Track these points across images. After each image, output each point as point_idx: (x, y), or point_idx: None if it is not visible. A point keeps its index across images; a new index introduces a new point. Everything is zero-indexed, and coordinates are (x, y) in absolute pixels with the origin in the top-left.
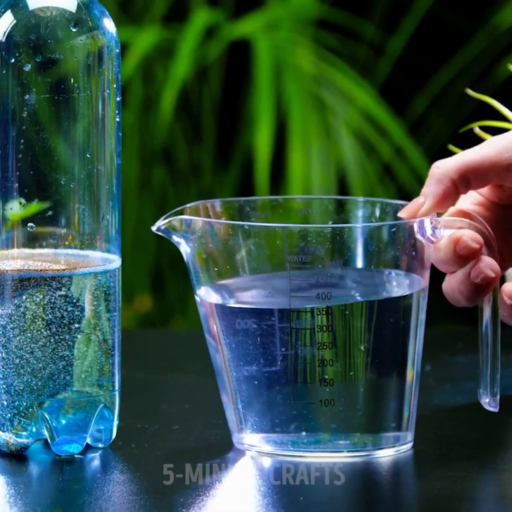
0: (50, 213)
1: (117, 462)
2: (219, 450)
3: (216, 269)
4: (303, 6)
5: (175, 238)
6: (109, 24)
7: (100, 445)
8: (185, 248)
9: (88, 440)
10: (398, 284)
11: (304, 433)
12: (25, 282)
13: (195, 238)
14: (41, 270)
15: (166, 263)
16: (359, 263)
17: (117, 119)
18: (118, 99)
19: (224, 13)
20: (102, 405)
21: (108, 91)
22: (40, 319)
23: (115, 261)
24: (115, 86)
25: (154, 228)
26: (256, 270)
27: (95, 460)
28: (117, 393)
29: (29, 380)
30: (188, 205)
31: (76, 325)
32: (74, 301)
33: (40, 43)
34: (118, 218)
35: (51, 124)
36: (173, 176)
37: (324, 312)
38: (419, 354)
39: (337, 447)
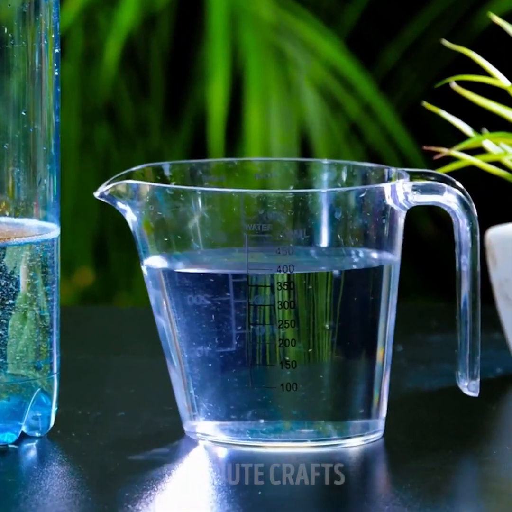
0: None
1: (55, 452)
2: (168, 439)
3: (165, 239)
4: None
5: (120, 205)
6: None
7: (36, 434)
8: (131, 216)
9: (24, 429)
10: (367, 256)
11: (263, 421)
12: None
13: (142, 205)
14: None
15: (110, 232)
16: (324, 233)
17: (56, 73)
18: (56, 50)
19: None
20: (39, 389)
21: (45, 41)
22: None
23: (53, 230)
24: (53, 36)
25: (96, 194)
26: (210, 240)
27: (31, 451)
28: (55, 376)
29: None
30: (134, 168)
31: (10, 301)
32: (8, 274)
33: None
34: (56, 182)
35: None
36: (118, 135)
37: (285, 287)
38: (390, 333)
39: (299, 436)
